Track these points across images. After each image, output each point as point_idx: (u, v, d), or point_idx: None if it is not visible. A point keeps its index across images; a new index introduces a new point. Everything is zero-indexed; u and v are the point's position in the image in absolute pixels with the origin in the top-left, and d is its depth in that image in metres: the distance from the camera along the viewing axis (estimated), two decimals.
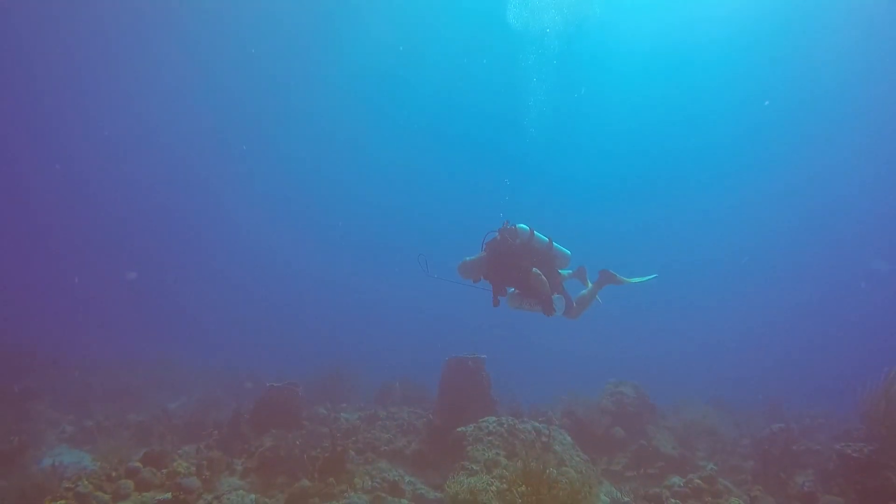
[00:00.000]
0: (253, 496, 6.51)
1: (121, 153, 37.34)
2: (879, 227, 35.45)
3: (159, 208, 42.42)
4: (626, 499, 6.96)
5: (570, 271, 6.77)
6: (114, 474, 6.33)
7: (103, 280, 38.03)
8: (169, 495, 5.80)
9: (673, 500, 6.81)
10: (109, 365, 15.89)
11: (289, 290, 45.52)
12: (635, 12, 27.07)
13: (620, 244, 40.49)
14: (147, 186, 40.98)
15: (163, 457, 7.03)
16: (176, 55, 29.75)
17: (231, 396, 12.43)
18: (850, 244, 36.80)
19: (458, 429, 7.74)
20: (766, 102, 30.41)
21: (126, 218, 42.35)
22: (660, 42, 29.06)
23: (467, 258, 6.00)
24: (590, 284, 6.71)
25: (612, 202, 42.50)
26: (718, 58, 29.64)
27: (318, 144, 40.36)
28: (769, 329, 32.40)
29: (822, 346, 28.79)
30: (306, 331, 32.10)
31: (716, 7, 25.92)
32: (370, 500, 6.66)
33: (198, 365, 18.29)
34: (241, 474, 7.28)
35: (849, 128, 30.85)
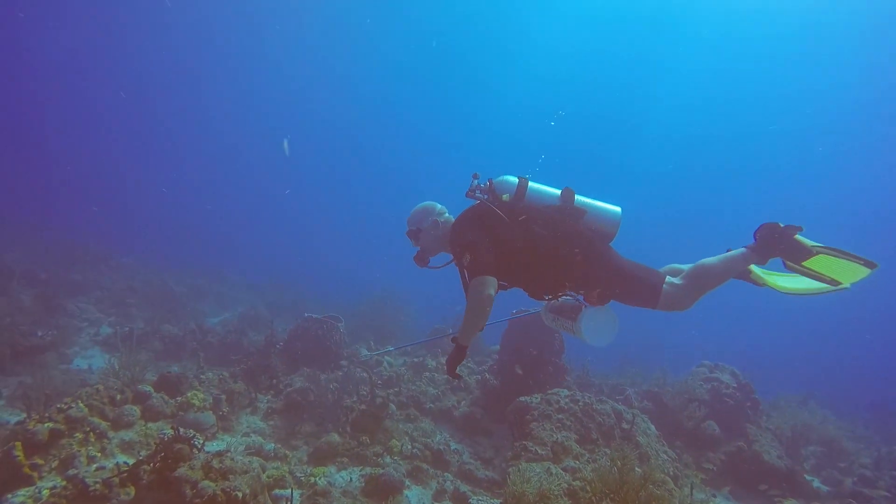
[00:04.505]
0: (272, 446, 5.48)
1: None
2: None
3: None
4: None
5: None
6: (119, 397, 5.43)
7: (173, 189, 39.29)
8: (170, 432, 4.80)
9: None
10: (159, 269, 15.66)
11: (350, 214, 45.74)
12: None
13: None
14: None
15: (180, 382, 6.12)
16: None
17: (273, 316, 11.71)
18: None
19: (521, 398, 6.37)
20: None
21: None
22: None
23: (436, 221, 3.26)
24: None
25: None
26: None
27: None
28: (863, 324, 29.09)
29: None
30: (363, 256, 31.67)
31: None
32: (408, 470, 5.50)
33: (247, 280, 17.96)
34: (264, 414, 6.31)
35: None
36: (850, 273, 2.88)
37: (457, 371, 3.09)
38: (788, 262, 2.96)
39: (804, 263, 2.88)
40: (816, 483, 7.42)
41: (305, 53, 37.06)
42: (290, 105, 42.70)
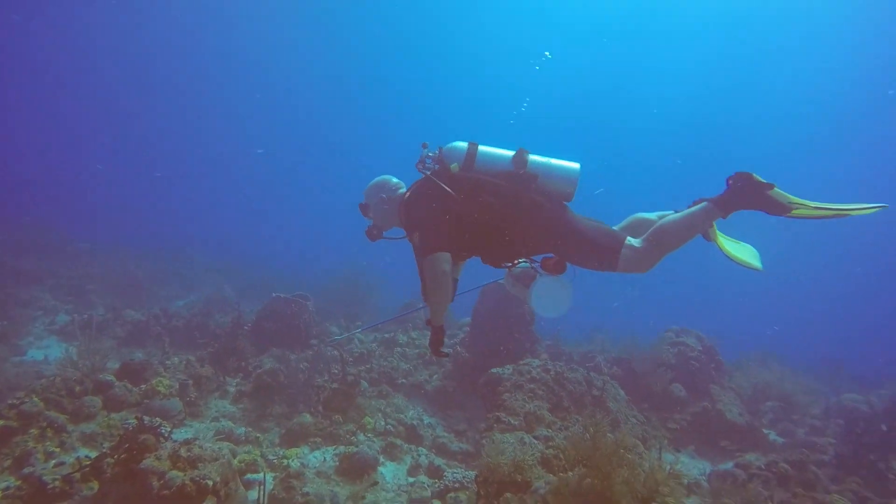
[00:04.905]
0: (242, 429, 5.39)
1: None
2: None
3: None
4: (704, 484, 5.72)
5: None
6: (78, 388, 5.22)
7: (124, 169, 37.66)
8: (134, 421, 4.64)
9: (752, 487, 5.53)
10: (119, 254, 15.04)
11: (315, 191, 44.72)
12: None
13: None
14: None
15: (144, 369, 5.92)
16: None
17: (239, 298, 11.45)
18: None
19: (493, 370, 6.43)
20: None
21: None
22: None
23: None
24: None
25: None
26: None
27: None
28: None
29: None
30: (329, 235, 31.21)
31: None
32: (382, 446, 5.50)
33: (212, 261, 17.45)
34: (233, 398, 6.19)
35: None
36: (853, 209, 2.64)
37: (441, 350, 3.06)
38: (773, 214, 2.76)
39: (793, 212, 2.71)
40: (773, 436, 7.80)
41: (270, 30, 35.22)
42: (253, 80, 40.89)
